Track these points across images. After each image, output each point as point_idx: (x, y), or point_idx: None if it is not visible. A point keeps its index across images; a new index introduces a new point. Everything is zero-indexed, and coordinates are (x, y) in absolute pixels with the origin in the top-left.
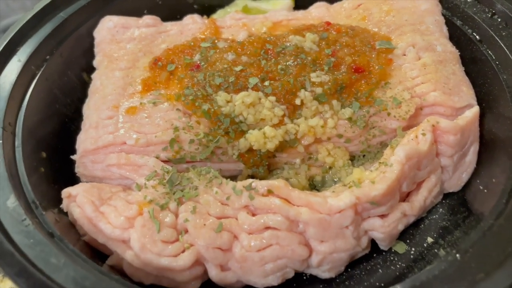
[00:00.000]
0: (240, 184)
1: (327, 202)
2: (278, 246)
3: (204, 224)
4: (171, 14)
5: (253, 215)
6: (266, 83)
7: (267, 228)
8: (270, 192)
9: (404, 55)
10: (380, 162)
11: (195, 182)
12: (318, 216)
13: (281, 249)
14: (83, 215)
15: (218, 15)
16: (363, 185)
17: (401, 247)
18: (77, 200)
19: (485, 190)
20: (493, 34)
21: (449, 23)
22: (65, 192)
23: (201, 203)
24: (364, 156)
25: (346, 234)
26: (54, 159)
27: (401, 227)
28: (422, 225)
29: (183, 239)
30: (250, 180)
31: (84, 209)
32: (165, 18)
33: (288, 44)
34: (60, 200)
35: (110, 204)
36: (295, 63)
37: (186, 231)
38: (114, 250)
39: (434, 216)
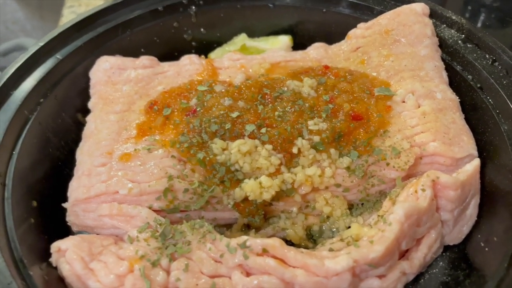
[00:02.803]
0: (234, 241)
1: (324, 264)
2: None
3: (197, 284)
4: (169, 51)
5: (248, 274)
6: (263, 130)
7: None
8: (265, 251)
9: (404, 102)
10: (379, 215)
11: (188, 237)
12: (315, 279)
13: None
14: (72, 272)
15: (216, 54)
16: (361, 245)
17: None
18: (66, 256)
19: (486, 248)
20: (494, 82)
21: (449, 68)
22: (54, 246)
23: (194, 260)
24: (362, 204)
25: None
26: (45, 207)
27: (400, 286)
28: (422, 280)
29: None
30: (245, 237)
31: (73, 266)
32: (162, 56)
33: (285, 89)
34: (49, 252)
35: (100, 260)
36: (293, 109)
37: None
38: None
39: (434, 271)
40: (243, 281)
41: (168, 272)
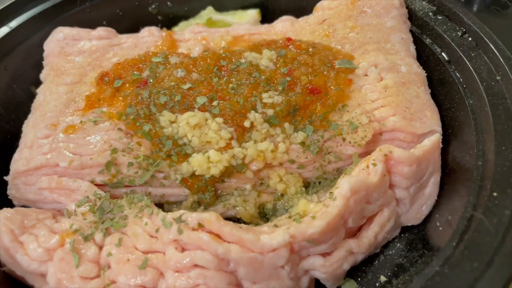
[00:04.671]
0: (170, 216)
1: (260, 239)
2: (206, 286)
3: (128, 260)
4: (134, 25)
5: (183, 250)
6: (215, 103)
7: (195, 266)
8: (200, 226)
9: (366, 75)
10: (330, 192)
11: (126, 211)
12: (249, 255)
13: None
14: (0, 245)
15: (180, 27)
16: (303, 220)
17: (350, 286)
18: None
19: (441, 228)
20: (462, 55)
21: (418, 41)
22: None
23: (129, 235)
24: (319, 183)
25: (281, 275)
26: None
27: (346, 266)
28: (376, 262)
29: (105, 275)
30: (182, 211)
31: (2, 238)
32: (126, 30)
33: (243, 61)
34: None
35: (32, 233)
36: (248, 82)
37: (109, 266)
38: (32, 284)
39: (391, 252)
40: (176, 257)
41: (101, 247)
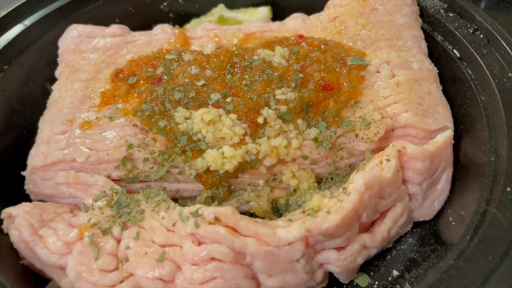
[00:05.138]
0: (187, 210)
1: (276, 233)
2: (222, 279)
3: (146, 253)
4: (145, 23)
5: (200, 244)
6: (228, 99)
7: (212, 259)
8: (217, 220)
9: (378, 72)
10: (344, 188)
11: (143, 206)
12: (266, 248)
13: (225, 282)
14: (20, 239)
15: (192, 25)
16: (318, 215)
17: (363, 280)
18: (16, 221)
19: (453, 223)
20: (474, 52)
21: (429, 39)
22: (5, 212)
23: (146, 229)
24: (332, 178)
25: (296, 268)
26: (5, 176)
27: (360, 260)
28: (389, 257)
29: (123, 268)
30: (198, 206)
31: (22, 231)
32: (138, 28)
33: (255, 58)
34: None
35: (50, 227)
36: (261, 78)
37: (128, 259)
38: (52, 277)
39: (403, 247)
40: (193, 250)
41: (119, 240)
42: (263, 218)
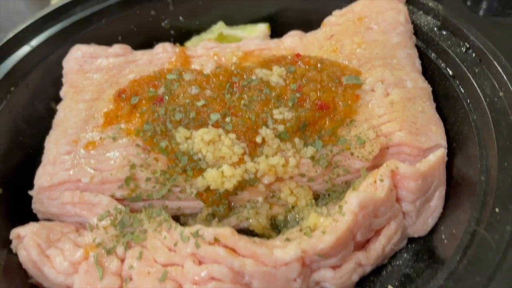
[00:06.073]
0: (187, 230)
1: (273, 254)
2: None
3: (149, 272)
4: (147, 40)
5: (201, 263)
6: (228, 119)
7: (212, 278)
8: (216, 240)
9: (373, 90)
10: (339, 206)
11: (145, 225)
12: (263, 268)
13: None
14: (28, 259)
15: (192, 42)
16: (313, 235)
17: None
18: (24, 242)
19: (445, 241)
20: (466, 70)
21: (423, 56)
22: (14, 233)
23: (149, 249)
24: (329, 195)
25: (293, 287)
26: (12, 195)
27: (355, 277)
28: (384, 272)
29: (127, 287)
30: (198, 226)
31: (30, 252)
32: (140, 45)
33: (254, 78)
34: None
35: (57, 247)
36: (259, 98)
37: (131, 279)
38: None
39: (398, 262)
40: (194, 270)
41: (123, 260)
42: (262, 234)
